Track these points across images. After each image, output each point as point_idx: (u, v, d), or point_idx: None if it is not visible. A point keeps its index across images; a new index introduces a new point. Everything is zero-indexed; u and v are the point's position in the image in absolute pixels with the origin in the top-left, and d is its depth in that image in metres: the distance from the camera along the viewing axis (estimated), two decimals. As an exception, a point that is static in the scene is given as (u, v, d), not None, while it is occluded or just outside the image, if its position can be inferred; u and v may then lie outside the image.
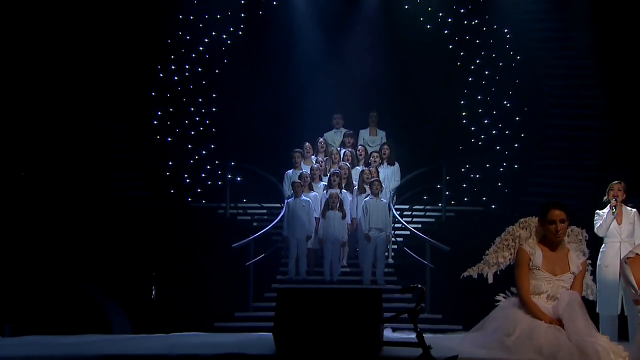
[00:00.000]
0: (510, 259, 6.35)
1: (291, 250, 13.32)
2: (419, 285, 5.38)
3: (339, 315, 5.63)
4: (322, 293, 6.63)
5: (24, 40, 14.72)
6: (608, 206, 9.80)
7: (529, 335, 5.47)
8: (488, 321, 6.05)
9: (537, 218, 6.17)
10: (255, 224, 14.68)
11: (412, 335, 5.43)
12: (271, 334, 6.00)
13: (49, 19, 14.90)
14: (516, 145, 16.42)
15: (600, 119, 15.70)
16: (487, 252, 6.61)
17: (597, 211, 10.00)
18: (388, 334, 6.88)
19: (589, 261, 6.24)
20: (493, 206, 15.75)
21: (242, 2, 16.90)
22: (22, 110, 14.40)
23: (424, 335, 5.24)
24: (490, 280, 6.39)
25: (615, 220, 9.36)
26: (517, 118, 16.51)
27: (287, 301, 5.93)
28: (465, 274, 6.61)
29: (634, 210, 9.53)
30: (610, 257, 9.22)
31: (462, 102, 16.80)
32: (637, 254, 5.59)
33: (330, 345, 5.53)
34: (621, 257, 9.03)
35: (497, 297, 6.28)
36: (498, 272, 6.37)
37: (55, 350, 6.44)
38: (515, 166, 16.29)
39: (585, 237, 6.28)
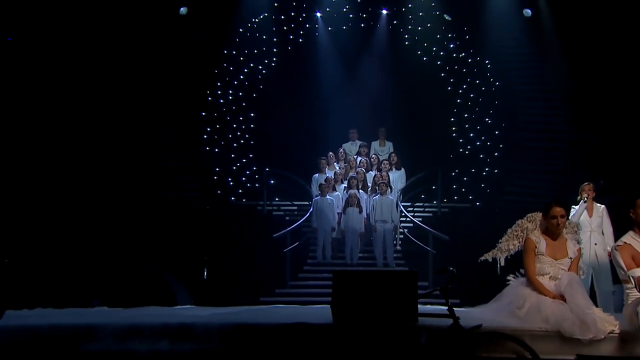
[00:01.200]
0: (518, 246, 6.27)
1: (319, 239, 13.26)
2: (451, 268, 5.37)
3: (383, 292, 5.57)
4: (370, 274, 6.54)
5: (108, 72, 14.68)
6: (581, 201, 9.77)
7: (537, 308, 5.47)
8: (501, 297, 6.05)
9: (540, 213, 6.15)
10: (287, 218, 14.59)
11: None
12: (329, 306, 6.03)
13: (127, 56, 14.93)
14: (496, 154, 16.33)
15: (564, 133, 15.63)
16: (500, 240, 6.57)
17: (573, 206, 9.88)
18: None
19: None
20: (478, 203, 15.71)
21: (275, 40, 16.76)
22: (103, 129, 14.36)
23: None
24: (502, 264, 6.34)
25: (587, 214, 9.39)
26: (496, 132, 16.40)
27: (341, 281, 5.80)
28: (482, 258, 6.52)
29: (603, 206, 9.51)
30: (582, 244, 9.24)
31: (452, 119, 16.71)
32: (625, 242, 5.51)
33: (376, 316, 5.46)
34: (593, 244, 9.24)
35: (508, 277, 6.25)
36: (508, 257, 6.36)
37: (131, 319, 6.43)
38: (495, 171, 16.18)
39: (580, 229, 6.30)
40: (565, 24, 15.38)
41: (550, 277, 5.76)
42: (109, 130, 14.51)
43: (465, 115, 16.68)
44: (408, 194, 15.10)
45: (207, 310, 8.29)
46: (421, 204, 15.32)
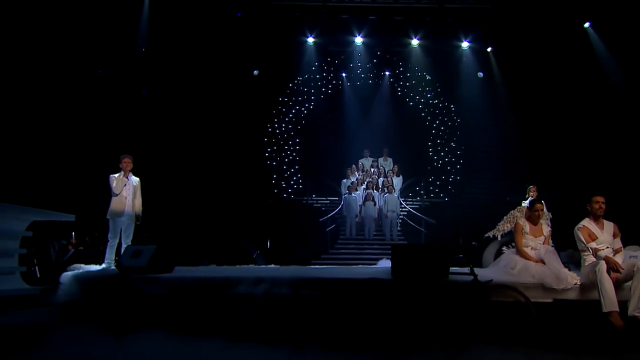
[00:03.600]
0: (510, 228, 6.19)
1: (347, 222, 13.29)
2: (474, 243, 5.33)
3: (426, 258, 5.41)
4: (417, 247, 6.11)
5: (214, 113, 14.58)
6: (529, 199, 9.39)
7: (525, 269, 5.42)
8: (499, 262, 5.94)
9: (526, 207, 6.03)
10: (323, 208, 14.49)
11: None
12: (360, 266, 5.80)
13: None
14: (458, 166, 16.17)
15: (508, 152, 15.35)
16: (498, 224, 6.61)
17: (523, 201, 9.65)
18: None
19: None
20: (447, 199, 15.58)
21: (313, 90, 16.56)
22: (214, 150, 14.37)
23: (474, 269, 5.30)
24: (499, 239, 6.38)
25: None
26: (458, 152, 16.24)
27: (398, 251, 5.58)
28: (486, 234, 6.57)
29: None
30: None
31: (429, 143, 16.51)
32: (583, 225, 5.33)
33: (421, 274, 5.34)
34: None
35: (503, 249, 6.12)
36: (503, 234, 6.32)
37: (224, 273, 6.44)
38: (458, 177, 16.05)
39: (550, 217, 6.22)
40: (508, 79, 15.25)
41: (531, 248, 5.69)
42: (216, 151, 14.49)
43: (438, 141, 16.52)
44: (404, 193, 15.02)
45: (277, 268, 8.55)
46: (411, 200, 15.17)
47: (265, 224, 12.89)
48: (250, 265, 9.56)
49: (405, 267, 5.36)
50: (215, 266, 8.97)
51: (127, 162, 7.79)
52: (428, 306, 5.05)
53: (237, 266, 9.16)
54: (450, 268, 5.47)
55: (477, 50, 15.55)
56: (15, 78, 9.77)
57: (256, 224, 12.73)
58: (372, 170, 14.89)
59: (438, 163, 16.41)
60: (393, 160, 15.44)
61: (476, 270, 5.42)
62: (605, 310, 4.79)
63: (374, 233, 13.30)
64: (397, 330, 4.90)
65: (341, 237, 13.31)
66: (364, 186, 13.99)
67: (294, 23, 14.68)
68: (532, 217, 5.77)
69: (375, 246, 12.64)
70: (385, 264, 9.07)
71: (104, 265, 7.48)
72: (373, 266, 9.23)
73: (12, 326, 4.80)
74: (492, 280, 5.15)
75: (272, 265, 9.68)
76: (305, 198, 15.45)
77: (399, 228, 13.51)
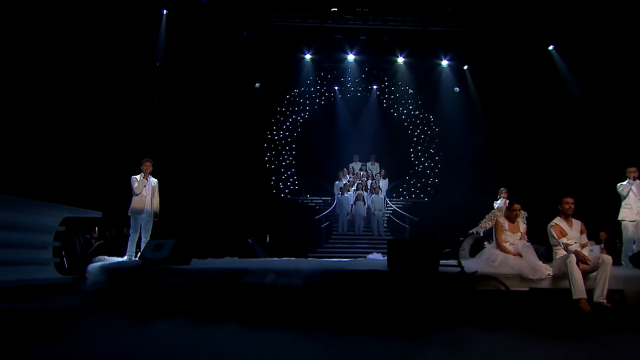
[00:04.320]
0: (491, 225, 6.18)
1: (340, 220, 13.30)
2: (462, 238, 5.32)
3: (419, 252, 5.37)
4: (410, 241, 5.94)
5: (226, 126, 14.44)
6: (500, 199, 9.53)
7: (505, 261, 5.42)
8: (481, 255, 5.90)
9: (506, 207, 6.02)
10: (317, 207, 14.47)
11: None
12: (353, 259, 5.69)
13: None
14: (436, 170, 16.22)
15: (478, 158, 15.21)
16: (480, 222, 6.60)
17: (495, 202, 9.56)
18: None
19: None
20: (426, 199, 15.64)
21: (308, 102, 16.53)
22: (222, 159, 14.19)
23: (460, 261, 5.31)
24: (482, 235, 6.36)
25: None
26: (436, 158, 16.30)
27: (393, 246, 5.56)
28: (470, 231, 6.50)
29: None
30: None
31: (411, 150, 16.56)
32: (555, 223, 5.37)
33: (414, 265, 5.31)
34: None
35: (485, 244, 6.05)
36: (485, 231, 6.29)
37: (237, 264, 6.40)
38: (436, 180, 16.08)
39: (526, 215, 6.20)
40: (481, 94, 15.35)
41: (510, 243, 5.70)
42: (222, 155, 14.26)
43: (419, 147, 16.57)
44: (390, 193, 15.06)
45: (278, 260, 8.45)
46: (395, 200, 15.22)
47: (265, 221, 12.78)
48: (264, 258, 9.44)
49: (400, 260, 5.35)
50: (238, 258, 8.72)
51: (147, 165, 7.77)
52: (421, 294, 5.05)
53: (251, 259, 8.98)
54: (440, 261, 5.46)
55: (455, 68, 15.63)
56: (49, 96, 9.80)
57: (257, 221, 12.62)
58: (362, 173, 14.93)
59: (419, 167, 16.46)
60: (380, 164, 15.46)
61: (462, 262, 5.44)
62: (575, 297, 4.88)
63: (363, 229, 13.33)
64: (394, 315, 4.90)
65: (334, 232, 13.30)
66: (354, 187, 14.01)
67: (293, 42, 14.67)
68: (511, 216, 5.80)
69: (365, 241, 12.67)
70: (375, 256, 9.07)
71: (125, 257, 7.44)
72: (363, 258, 9.22)
73: (50, 311, 4.78)
74: (477, 271, 5.17)
75: (285, 259, 9.50)
76: (301, 198, 15.41)
77: (385, 225, 13.55)
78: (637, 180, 7.34)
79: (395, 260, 5.39)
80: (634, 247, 7.21)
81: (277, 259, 9.38)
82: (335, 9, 13.55)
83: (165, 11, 12.58)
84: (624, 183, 7.39)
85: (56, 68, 10.11)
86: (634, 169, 7.34)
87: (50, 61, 9.99)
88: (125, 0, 10.99)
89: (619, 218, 7.38)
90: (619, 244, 8.19)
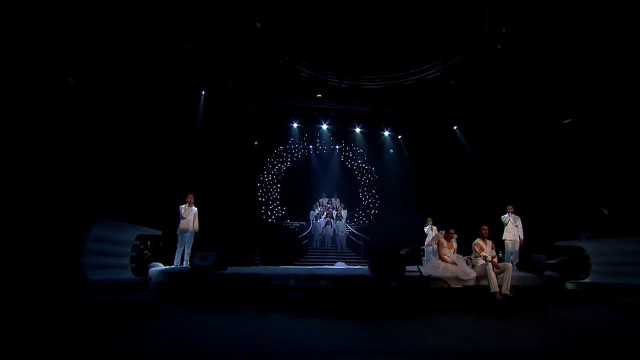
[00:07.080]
0: (434, 244, 6.32)
1: (314, 238, 13.23)
2: (402, 252, 5.41)
3: (392, 261, 5.34)
4: (388, 254, 5.54)
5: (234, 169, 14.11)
6: (428, 226, 9.59)
7: (446, 268, 5.59)
8: (428, 264, 5.98)
9: (444, 231, 6.14)
10: (296, 229, 14.20)
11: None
12: (330, 266, 5.54)
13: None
14: (377, 204, 16.22)
15: (412, 197, 15.32)
16: (427, 242, 6.79)
17: (424, 227, 9.59)
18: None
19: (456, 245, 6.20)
20: (368, 223, 15.65)
21: (289, 156, 16.39)
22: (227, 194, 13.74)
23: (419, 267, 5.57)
24: (427, 249, 6.43)
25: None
26: (377, 196, 16.32)
27: (375, 257, 5.50)
28: (422, 247, 6.26)
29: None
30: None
31: (359, 190, 16.49)
32: (477, 242, 5.55)
33: (389, 271, 5.24)
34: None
35: (432, 257, 6.25)
36: (431, 248, 6.44)
37: (259, 271, 6.41)
38: (376, 212, 16.09)
39: (456, 237, 6.22)
40: (410, 154, 15.75)
41: (448, 256, 5.82)
42: (229, 190, 13.85)
43: (365, 189, 16.58)
44: (349, 220, 15.04)
45: (272, 267, 8.24)
46: (353, 224, 15.19)
47: (258, 239, 12.56)
48: (253, 267, 9.03)
49: (379, 267, 5.38)
50: (264, 266, 8.36)
51: (190, 197, 7.86)
52: (394, 291, 5.17)
53: (263, 266, 8.67)
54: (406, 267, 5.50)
55: (393, 137, 16.15)
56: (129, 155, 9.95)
57: (252, 238, 12.35)
58: (329, 205, 15.02)
59: (365, 202, 16.58)
60: (340, 199, 15.59)
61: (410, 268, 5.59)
62: (492, 291, 5.22)
63: (331, 245, 13.36)
64: (378, 306, 5.04)
65: (310, 247, 13.19)
66: (324, 216, 14.17)
67: (286, 115, 14.91)
68: (448, 237, 6.05)
69: (332, 253, 12.72)
70: (339, 265, 9.02)
71: (174, 265, 7.34)
72: (332, 266, 9.12)
73: (135, 302, 4.74)
74: (430, 275, 5.42)
75: (264, 266, 9.23)
76: (285, 222, 15.24)
77: (345, 242, 13.62)
78: (513, 214, 8.15)
79: (376, 267, 5.41)
80: (511, 257, 7.84)
81: (274, 266, 9.16)
82: (319, 95, 14.17)
83: (203, 92, 12.80)
84: (505, 215, 8.21)
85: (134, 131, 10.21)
86: (510, 206, 8.22)
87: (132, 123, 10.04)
88: (175, 82, 11.17)
89: (503, 238, 8.05)
90: (501, 255, 8.78)
